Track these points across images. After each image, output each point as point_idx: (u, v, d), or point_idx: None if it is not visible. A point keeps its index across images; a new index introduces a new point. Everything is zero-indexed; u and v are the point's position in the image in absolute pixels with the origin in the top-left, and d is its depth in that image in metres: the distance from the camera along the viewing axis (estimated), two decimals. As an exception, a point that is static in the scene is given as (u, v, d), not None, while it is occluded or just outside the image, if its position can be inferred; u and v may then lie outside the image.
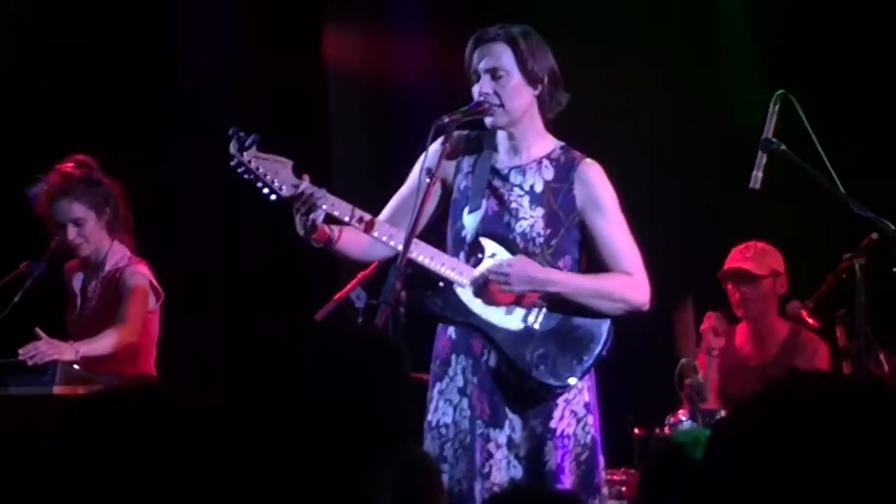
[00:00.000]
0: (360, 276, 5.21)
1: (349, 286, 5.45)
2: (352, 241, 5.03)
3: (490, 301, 4.95)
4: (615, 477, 6.18)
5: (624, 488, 6.23)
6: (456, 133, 5.01)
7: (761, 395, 1.91)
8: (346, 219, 4.90)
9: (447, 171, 5.10)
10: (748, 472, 1.84)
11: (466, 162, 5.10)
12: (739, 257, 6.74)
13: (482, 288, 4.94)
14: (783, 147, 5.24)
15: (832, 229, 5.96)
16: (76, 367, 5.88)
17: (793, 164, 5.21)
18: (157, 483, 1.70)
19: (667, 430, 6.22)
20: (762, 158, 5.23)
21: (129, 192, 6.35)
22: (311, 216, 4.84)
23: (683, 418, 6.25)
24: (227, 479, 1.72)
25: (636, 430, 6.38)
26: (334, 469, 3.34)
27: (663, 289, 5.10)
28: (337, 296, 5.76)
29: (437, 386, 5.03)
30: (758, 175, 5.22)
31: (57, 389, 5.77)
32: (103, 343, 6.01)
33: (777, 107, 5.24)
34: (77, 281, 6.38)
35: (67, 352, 5.84)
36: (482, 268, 4.95)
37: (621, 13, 7.66)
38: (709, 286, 6.81)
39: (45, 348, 5.79)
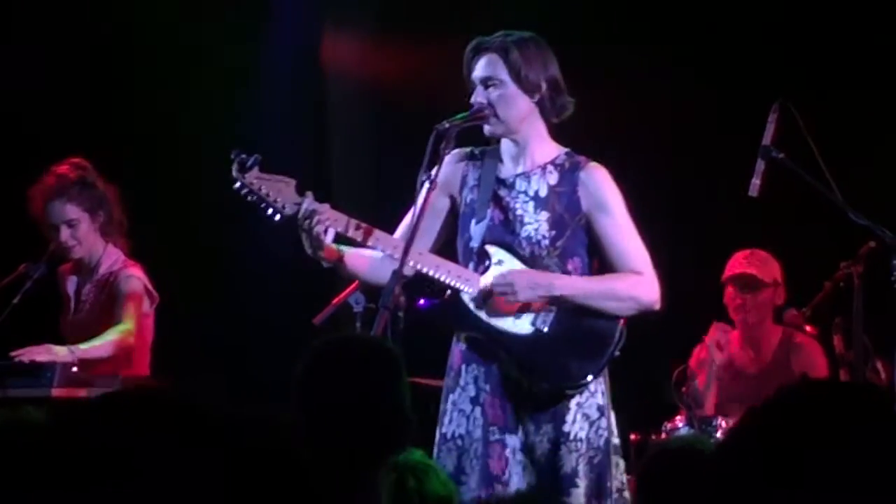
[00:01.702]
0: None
1: (347, 290, 5.46)
2: (361, 260, 5.03)
3: (497, 311, 4.96)
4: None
5: (626, 492, 6.22)
6: (460, 150, 5.04)
7: (774, 401, 1.91)
8: (341, 229, 4.91)
9: (454, 188, 5.11)
10: (760, 477, 1.85)
11: (472, 176, 5.10)
12: (745, 263, 6.72)
13: (486, 301, 4.94)
14: (781, 155, 5.26)
15: (830, 237, 5.97)
16: (74, 369, 5.89)
17: (791, 172, 5.22)
18: (163, 485, 1.70)
19: (664, 436, 6.22)
20: (760, 166, 5.25)
21: (126, 194, 6.36)
22: (315, 231, 4.85)
23: (680, 424, 6.26)
24: (232, 481, 1.73)
25: (632, 436, 6.38)
26: (334, 470, 3.35)
27: (662, 295, 5.09)
28: (335, 300, 5.77)
29: (451, 397, 5.02)
30: (756, 182, 5.24)
31: (55, 392, 5.78)
32: (102, 346, 6.02)
33: (776, 114, 5.25)
34: (71, 284, 6.38)
35: (64, 355, 5.85)
36: (486, 280, 4.95)
37: (622, 16, 7.66)
38: (705, 294, 6.81)
39: (38, 350, 5.81)
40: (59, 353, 5.87)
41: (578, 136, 5.18)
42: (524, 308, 4.96)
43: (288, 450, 1.84)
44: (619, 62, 7.56)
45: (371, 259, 5.01)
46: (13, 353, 5.82)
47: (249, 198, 4.89)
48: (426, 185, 4.90)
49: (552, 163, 5.07)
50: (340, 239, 4.96)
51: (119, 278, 6.23)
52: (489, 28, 5.14)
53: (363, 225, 4.93)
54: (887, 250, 5.29)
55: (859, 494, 1.81)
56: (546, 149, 5.09)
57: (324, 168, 8.06)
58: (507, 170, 5.09)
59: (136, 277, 6.24)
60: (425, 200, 4.86)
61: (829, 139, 5.25)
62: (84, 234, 6.22)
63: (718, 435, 6.12)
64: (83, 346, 5.97)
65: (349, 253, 5.00)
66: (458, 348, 5.06)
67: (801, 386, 1.95)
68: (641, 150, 7.34)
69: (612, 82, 7.47)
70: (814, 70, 7.20)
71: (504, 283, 4.90)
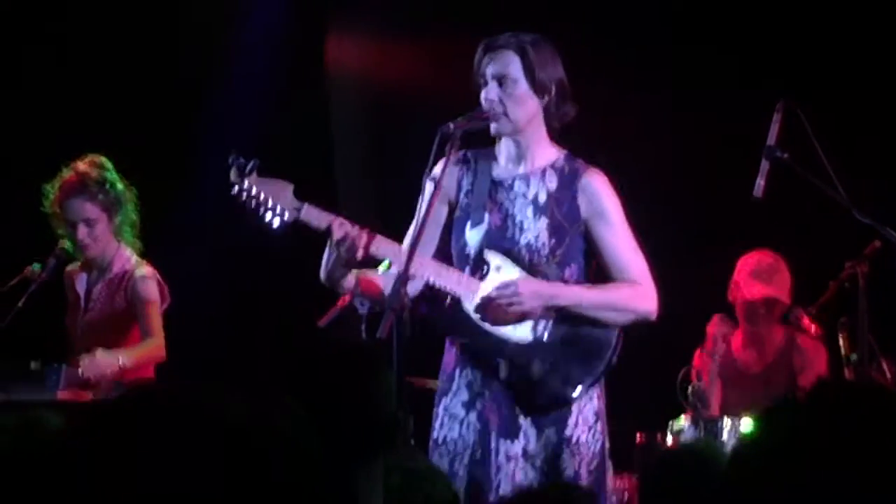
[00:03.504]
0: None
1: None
2: (373, 286, 5.03)
3: (498, 321, 4.95)
4: (617, 483, 6.18)
5: (626, 494, 6.23)
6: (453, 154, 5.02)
7: (789, 403, 1.91)
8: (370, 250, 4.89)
9: (450, 192, 5.09)
10: (774, 483, 1.85)
11: (466, 180, 5.09)
12: (764, 283, 6.66)
13: (488, 309, 4.93)
14: (786, 155, 5.25)
15: (835, 237, 5.96)
16: (81, 371, 5.91)
17: (795, 172, 5.22)
18: (169, 485, 1.70)
19: (669, 436, 6.22)
20: (765, 166, 5.24)
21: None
22: (348, 256, 4.82)
23: (686, 425, 6.25)
24: (236, 485, 1.73)
25: (638, 437, 6.38)
26: (327, 470, 3.35)
27: (667, 296, 5.10)
28: (340, 302, 5.77)
29: (443, 402, 5.02)
30: (761, 183, 5.24)
31: (61, 395, 5.80)
32: (140, 356, 6.07)
33: (780, 114, 5.25)
34: (80, 283, 6.38)
35: (112, 363, 5.93)
36: (488, 287, 4.94)
37: (622, 21, 7.66)
38: (711, 295, 6.80)
39: (101, 362, 5.87)
40: (109, 360, 5.94)
41: (582, 136, 5.17)
42: (524, 316, 4.96)
43: (294, 450, 1.83)
44: (623, 62, 7.57)
45: (384, 285, 5.00)
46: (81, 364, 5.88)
47: (248, 203, 4.83)
48: (431, 186, 4.89)
49: (552, 166, 5.06)
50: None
51: (134, 279, 6.24)
52: (493, 29, 5.14)
53: (370, 233, 4.91)
54: (892, 250, 5.29)
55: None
56: (546, 152, 5.09)
57: (327, 171, 8.06)
58: (504, 171, 5.08)
59: (150, 279, 6.25)
60: (430, 202, 4.85)
61: (834, 138, 5.24)
62: (100, 234, 6.23)
63: (724, 436, 6.11)
64: (124, 356, 6.01)
65: (361, 278, 5.00)
66: (451, 352, 5.05)
67: (818, 387, 1.94)
68: (645, 152, 7.35)
69: (616, 83, 7.48)
70: (817, 69, 7.20)
71: (509, 292, 4.89)
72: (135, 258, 6.31)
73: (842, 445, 1.84)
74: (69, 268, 6.43)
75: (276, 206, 4.83)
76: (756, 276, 6.70)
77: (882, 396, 1.91)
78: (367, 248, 4.83)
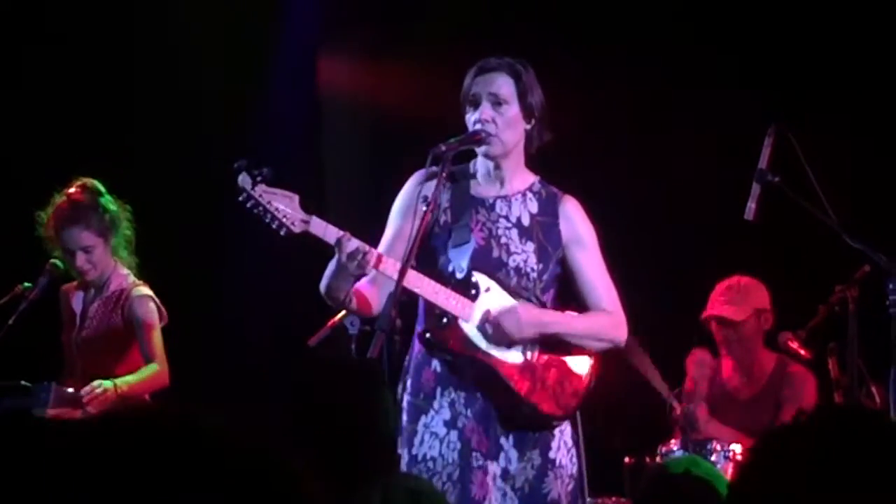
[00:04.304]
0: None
1: (343, 313, 5.46)
2: (366, 301, 5.03)
3: (494, 343, 4.96)
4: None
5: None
6: (424, 171, 5.01)
7: (791, 428, 1.92)
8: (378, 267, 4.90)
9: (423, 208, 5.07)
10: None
11: (443, 197, 5.09)
12: (721, 301, 6.69)
13: (488, 331, 4.94)
14: (777, 178, 5.26)
15: (825, 261, 5.97)
16: (70, 389, 5.90)
17: (786, 196, 5.23)
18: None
19: (658, 459, 6.21)
20: (756, 190, 5.26)
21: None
22: (357, 272, 4.84)
23: (675, 448, 6.25)
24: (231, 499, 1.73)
25: (626, 459, 6.38)
26: (324, 491, 3.35)
27: (658, 318, 5.12)
28: (330, 322, 5.78)
29: (422, 419, 5.01)
30: (752, 206, 5.25)
31: (51, 412, 5.79)
32: (140, 384, 6.07)
33: (771, 138, 5.27)
34: (77, 301, 6.37)
35: (109, 389, 5.95)
36: (482, 308, 4.95)
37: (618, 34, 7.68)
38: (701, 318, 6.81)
39: (103, 394, 5.88)
40: (105, 387, 5.95)
41: (567, 158, 5.20)
42: (521, 342, 4.98)
43: (285, 472, 1.83)
44: (616, 80, 7.58)
45: (378, 298, 5.01)
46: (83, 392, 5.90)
47: (255, 210, 4.82)
48: (423, 208, 4.90)
49: (530, 189, 5.12)
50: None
51: (131, 298, 6.24)
52: (483, 50, 5.16)
53: (377, 252, 4.90)
54: (882, 274, 5.29)
55: None
56: (523, 175, 5.14)
57: (318, 190, 8.06)
58: (483, 190, 5.11)
59: (148, 297, 6.25)
60: (422, 222, 4.85)
61: (825, 163, 5.26)
62: (99, 259, 6.23)
63: (713, 458, 6.11)
64: (122, 382, 6.00)
65: (356, 292, 5.00)
66: (429, 370, 5.04)
67: (820, 413, 1.96)
68: (636, 174, 7.36)
69: (606, 103, 7.50)
70: (809, 94, 7.22)
71: (513, 319, 4.92)
72: (131, 277, 6.31)
73: (842, 469, 1.85)
74: (65, 286, 6.42)
75: (286, 216, 4.82)
76: (717, 296, 6.72)
77: (879, 421, 1.93)
78: (376, 266, 4.84)
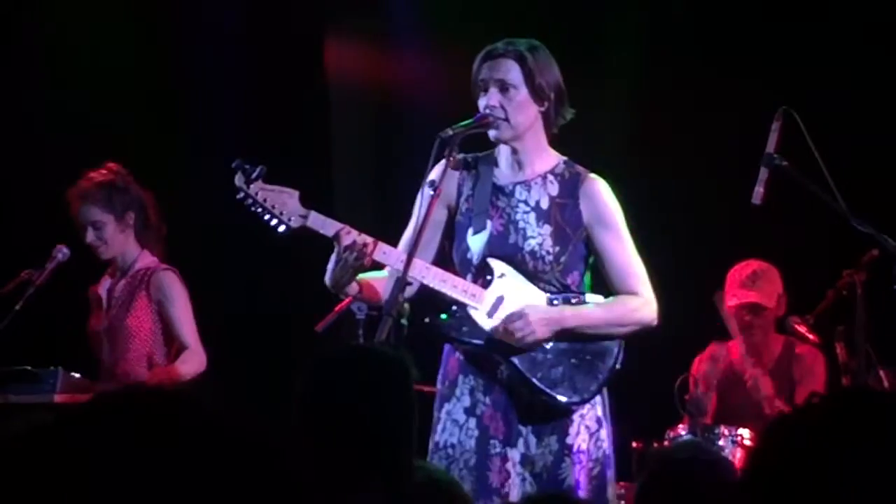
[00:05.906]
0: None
1: (350, 298, 5.45)
2: (374, 290, 5.04)
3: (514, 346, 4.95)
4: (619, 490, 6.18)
5: (622, 502, 6.22)
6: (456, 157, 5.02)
7: (803, 410, 1.91)
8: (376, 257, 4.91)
9: (450, 196, 5.08)
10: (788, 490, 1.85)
11: (467, 185, 5.09)
12: (748, 289, 6.68)
13: (501, 336, 4.93)
14: (785, 162, 5.25)
15: (833, 245, 5.96)
16: (77, 375, 5.92)
17: (794, 180, 5.22)
18: (165, 487, 1.69)
19: (666, 444, 6.21)
20: (764, 174, 5.24)
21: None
22: (358, 265, 4.86)
23: (683, 433, 6.25)
24: (227, 487, 1.72)
25: (634, 444, 6.38)
26: (338, 484, 3.34)
27: (666, 303, 5.10)
28: (338, 307, 5.76)
29: (445, 406, 5.02)
30: (759, 190, 5.23)
31: (58, 398, 5.81)
32: (181, 371, 6.12)
33: (779, 122, 5.25)
34: (103, 287, 6.43)
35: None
36: (493, 295, 4.94)
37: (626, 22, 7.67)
38: (709, 303, 6.79)
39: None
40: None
41: (581, 143, 5.18)
42: (536, 344, 4.95)
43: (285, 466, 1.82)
44: (623, 69, 7.57)
45: (384, 288, 5.02)
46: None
47: (253, 208, 4.90)
48: (430, 192, 4.90)
49: (552, 172, 5.07)
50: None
51: (159, 275, 6.32)
52: (493, 33, 5.15)
53: (372, 240, 4.92)
54: (890, 258, 5.28)
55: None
56: (546, 158, 5.09)
57: (326, 175, 8.05)
58: (504, 177, 5.09)
59: (176, 276, 6.33)
60: (429, 208, 4.86)
61: (833, 147, 5.24)
62: (110, 236, 6.30)
63: (721, 443, 6.11)
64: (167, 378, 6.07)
65: (364, 283, 5.01)
66: (454, 357, 5.06)
67: (833, 396, 1.95)
68: (644, 159, 7.35)
69: (616, 91, 7.49)
70: (817, 76, 7.20)
71: (522, 324, 4.89)
72: (158, 263, 6.37)
73: (855, 452, 1.85)
74: (93, 286, 6.46)
75: (283, 213, 4.89)
76: (741, 283, 6.72)
77: (891, 403, 1.92)
78: (373, 254, 4.86)
